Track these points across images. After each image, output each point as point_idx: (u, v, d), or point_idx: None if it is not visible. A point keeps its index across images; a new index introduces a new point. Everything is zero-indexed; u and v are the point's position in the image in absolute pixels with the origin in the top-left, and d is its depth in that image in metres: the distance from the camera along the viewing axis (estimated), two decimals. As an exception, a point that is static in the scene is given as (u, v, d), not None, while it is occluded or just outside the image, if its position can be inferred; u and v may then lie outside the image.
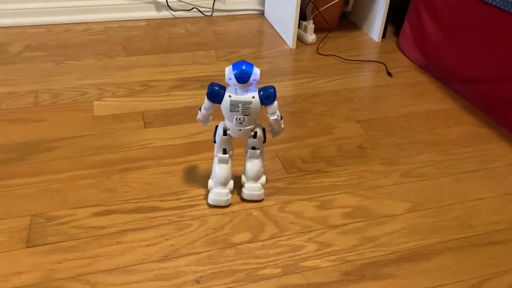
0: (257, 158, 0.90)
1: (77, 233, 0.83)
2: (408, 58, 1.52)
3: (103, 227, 0.85)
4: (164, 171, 0.99)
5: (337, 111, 1.23)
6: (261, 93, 0.82)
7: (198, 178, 0.98)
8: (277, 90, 1.43)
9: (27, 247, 0.80)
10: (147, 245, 0.81)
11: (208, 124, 0.90)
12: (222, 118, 0.86)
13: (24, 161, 1.00)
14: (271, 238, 0.84)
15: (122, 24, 1.64)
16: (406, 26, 1.54)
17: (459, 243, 0.85)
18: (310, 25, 1.56)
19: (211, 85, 0.82)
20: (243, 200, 0.92)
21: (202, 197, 0.93)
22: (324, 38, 1.61)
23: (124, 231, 0.84)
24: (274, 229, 0.86)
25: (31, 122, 1.13)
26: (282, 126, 0.88)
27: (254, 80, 0.79)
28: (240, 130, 0.84)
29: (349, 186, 0.97)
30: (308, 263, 0.80)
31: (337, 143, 1.11)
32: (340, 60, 1.48)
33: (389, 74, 1.42)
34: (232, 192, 0.91)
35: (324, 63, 1.47)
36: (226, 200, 0.90)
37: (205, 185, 0.95)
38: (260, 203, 0.92)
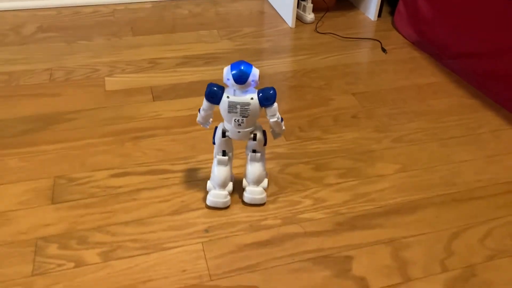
0: (258, 161, 0.88)
1: (96, 192, 0.92)
2: (402, 35, 1.58)
3: (119, 187, 0.93)
4: (173, 139, 1.08)
5: (334, 84, 1.31)
6: (260, 94, 0.79)
7: (204, 145, 1.06)
8: (276, 65, 1.52)
9: (52, 203, 0.89)
10: (160, 202, 0.90)
11: (208, 127, 0.88)
12: (223, 119, 0.85)
13: (44, 131, 1.08)
14: (271, 195, 0.93)
15: (128, 7, 1.71)
16: (400, 5, 1.61)
17: (443, 199, 0.93)
18: (309, 5, 1.63)
19: (210, 85, 0.80)
20: (245, 203, 0.90)
21: (208, 161, 1.01)
22: (322, 17, 1.68)
23: (139, 190, 0.93)
24: (274, 188, 0.95)
25: (48, 96, 1.21)
26: (283, 128, 0.85)
27: (252, 81, 0.77)
28: (239, 132, 0.82)
29: (344, 151, 1.06)
30: (305, 215, 0.88)
31: (333, 113, 1.19)
32: (338, 38, 1.55)
33: (383, 50, 1.49)
34: (231, 193, 0.90)
35: (322, 41, 1.54)
36: (224, 202, 0.88)
37: (210, 151, 1.03)
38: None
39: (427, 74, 1.38)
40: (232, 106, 0.79)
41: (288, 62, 1.42)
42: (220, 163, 0.87)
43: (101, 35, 1.51)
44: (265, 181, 0.90)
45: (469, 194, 0.94)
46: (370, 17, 1.69)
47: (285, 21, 1.65)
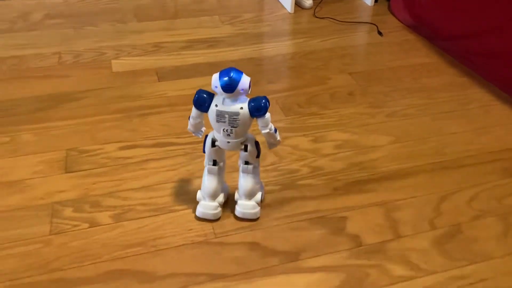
0: (250, 173, 0.82)
1: (106, 162, 0.98)
2: (398, 19, 1.63)
3: (128, 158, 0.99)
4: (178, 115, 1.13)
5: (331, 65, 1.36)
6: (252, 104, 0.75)
7: (207, 120, 1.11)
8: (276, 48, 1.58)
9: (66, 172, 0.95)
10: (167, 170, 0.96)
11: (200, 136, 0.83)
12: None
13: (56, 109, 1.14)
14: (271, 164, 0.99)
15: (132, -6, 1.77)
16: (396, -10, 1.66)
17: (433, 167, 0.99)
18: (307, -9, 1.68)
19: (199, 92, 0.76)
20: (237, 218, 0.85)
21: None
22: (320, 3, 1.73)
23: (147, 160, 0.99)
24: (274, 158, 1.01)
25: (58, 77, 1.27)
26: (278, 139, 0.80)
27: (241, 89, 0.72)
28: (228, 142, 0.78)
29: (340, 125, 1.11)
30: (303, 182, 0.94)
31: (330, 91, 1.24)
32: (335, 22, 1.60)
33: (380, 33, 1.54)
34: (222, 205, 0.85)
35: (320, 25, 1.59)
36: (214, 214, 0.84)
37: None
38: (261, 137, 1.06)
39: (421, 55, 1.43)
40: (220, 116, 0.75)
41: (287, 45, 1.47)
42: (210, 172, 0.83)
43: (107, 21, 1.56)
44: (259, 195, 0.84)
45: (458, 162, 1.00)
46: (367, 2, 1.74)
47: (284, 7, 1.70)
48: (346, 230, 0.83)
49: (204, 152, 0.82)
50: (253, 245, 0.80)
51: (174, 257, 0.78)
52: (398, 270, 0.76)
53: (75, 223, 0.84)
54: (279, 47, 1.44)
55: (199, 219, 0.85)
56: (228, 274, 0.75)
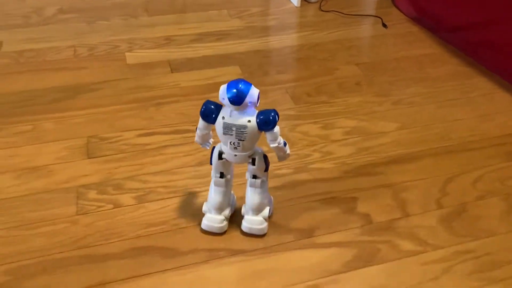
0: (258, 187, 0.80)
1: (126, 148, 1.02)
2: (402, 12, 1.67)
3: (147, 144, 1.04)
4: (192, 104, 1.18)
5: (337, 57, 1.40)
6: (260, 117, 0.72)
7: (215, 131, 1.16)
8: (283, 40, 1.62)
9: (88, 158, 0.99)
10: (185, 156, 1.01)
11: (208, 147, 0.81)
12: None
13: (74, 99, 1.18)
14: (284, 150, 1.03)
15: (141, -10, 1.81)
16: (400, -16, 1.70)
17: (438, 151, 1.03)
18: (313, -15, 1.72)
19: (206, 103, 0.74)
20: (243, 233, 0.83)
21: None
22: (325, -3, 1.77)
23: (165, 146, 1.03)
24: (286, 144, 1.05)
25: (74, 69, 1.31)
26: (288, 152, 0.78)
27: (250, 102, 0.70)
28: (235, 155, 0.76)
29: (348, 113, 1.15)
30: (314, 165, 0.99)
31: (338, 81, 1.28)
32: (341, 15, 1.64)
33: (384, 26, 1.58)
34: (228, 218, 0.83)
35: (326, 18, 1.63)
36: (220, 228, 0.81)
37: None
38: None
39: (425, 46, 1.47)
40: (227, 128, 0.73)
41: (294, 37, 1.51)
42: (216, 184, 0.81)
43: (118, 16, 1.61)
44: (266, 210, 0.82)
45: (463, 147, 1.04)
46: (371, -4, 1.78)
47: (290, 1, 1.74)
48: (357, 210, 0.88)
49: (211, 163, 0.80)
50: (269, 224, 0.84)
51: (195, 235, 0.82)
52: (407, 245, 0.80)
53: (100, 204, 0.88)
54: (286, 40, 1.49)
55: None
56: (247, 250, 0.80)
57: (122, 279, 0.74)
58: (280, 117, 1.11)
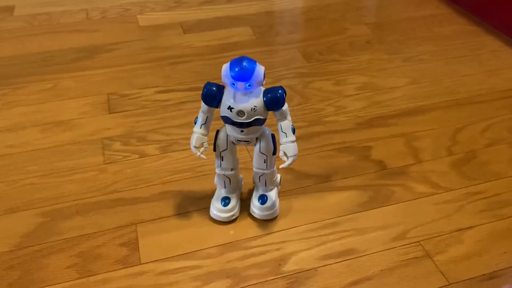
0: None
1: (146, 104, 1.06)
2: (410, -26, 1.68)
3: (166, 100, 1.07)
4: (206, 63, 1.20)
5: (348, 17, 1.42)
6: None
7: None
8: (293, 2, 1.63)
9: (109, 113, 1.03)
10: (203, 110, 1.04)
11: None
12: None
13: (91, 59, 1.21)
14: (298, 105, 1.06)
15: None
16: None
17: (448, 103, 1.07)
18: None
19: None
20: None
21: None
22: (333, -40, 1.77)
23: (184, 102, 1.06)
24: (300, 99, 1.08)
25: (88, 32, 1.33)
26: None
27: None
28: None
29: (360, 70, 1.18)
30: (328, 119, 1.02)
31: (349, 40, 1.31)
32: (348, -22, 1.65)
33: (392, -12, 1.59)
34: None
35: (334, -19, 1.64)
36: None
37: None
38: (286, 81, 1.13)
39: (433, 7, 1.48)
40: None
41: (303, -1, 1.52)
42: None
43: (127, -20, 1.61)
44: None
45: (472, 99, 1.08)
46: (378, -41, 1.78)
47: (298, -36, 1.74)
48: (371, 157, 0.92)
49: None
50: (288, 170, 0.88)
51: (219, 180, 0.87)
52: (420, 187, 0.85)
53: (126, 154, 0.92)
54: (296, 1, 1.50)
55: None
56: (269, 193, 0.84)
57: (152, 219, 0.79)
58: (292, 76, 1.16)
